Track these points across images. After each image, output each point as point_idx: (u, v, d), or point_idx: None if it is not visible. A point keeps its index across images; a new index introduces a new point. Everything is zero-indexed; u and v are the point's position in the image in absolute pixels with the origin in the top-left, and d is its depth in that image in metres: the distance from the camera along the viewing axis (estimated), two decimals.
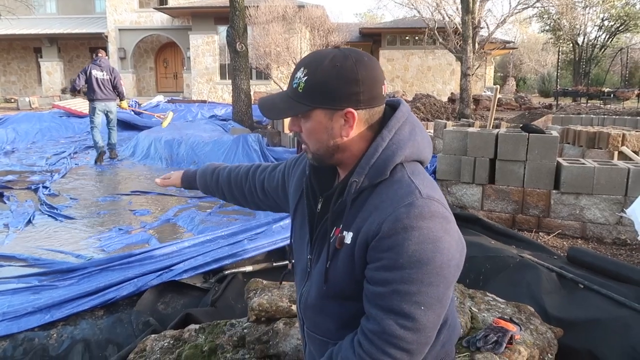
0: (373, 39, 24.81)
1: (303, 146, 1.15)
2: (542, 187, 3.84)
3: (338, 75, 1.02)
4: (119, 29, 22.64)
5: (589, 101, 20.33)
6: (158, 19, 22.42)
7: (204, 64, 21.25)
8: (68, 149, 8.95)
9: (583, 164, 3.82)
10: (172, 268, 3.19)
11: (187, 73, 22.51)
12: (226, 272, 3.29)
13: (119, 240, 3.97)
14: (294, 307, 2.26)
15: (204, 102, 17.23)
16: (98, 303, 2.90)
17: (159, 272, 3.15)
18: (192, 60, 21.35)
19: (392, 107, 1.13)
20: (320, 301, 1.15)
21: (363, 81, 1.03)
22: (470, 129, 4.13)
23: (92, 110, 7.79)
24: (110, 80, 7.72)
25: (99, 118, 7.86)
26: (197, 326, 2.43)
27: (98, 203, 5.29)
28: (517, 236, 3.39)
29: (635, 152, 5.46)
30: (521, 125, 4.15)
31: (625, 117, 9.99)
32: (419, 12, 18.33)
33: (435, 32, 16.72)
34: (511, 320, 2.06)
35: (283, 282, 2.43)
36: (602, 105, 18.14)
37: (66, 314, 2.79)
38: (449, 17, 17.17)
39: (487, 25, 17.32)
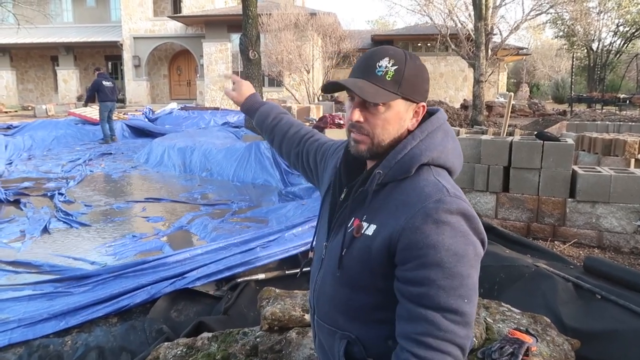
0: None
1: (358, 137, 1.11)
2: (558, 195, 3.79)
3: (421, 71, 1.10)
4: (134, 37, 22.96)
5: (604, 107, 20.09)
6: (172, 27, 22.70)
7: (216, 72, 21.43)
8: (83, 156, 9.06)
9: (599, 171, 3.77)
10: (185, 276, 3.20)
11: (200, 80, 22.72)
12: (239, 280, 3.29)
13: (132, 247, 4.00)
14: (306, 317, 2.26)
15: (217, 109, 17.33)
16: (112, 310, 2.92)
17: (172, 280, 3.16)
18: (205, 68, 21.55)
19: (431, 112, 1.17)
20: (332, 288, 1.17)
21: (428, 81, 1.13)
22: (484, 137, 4.10)
23: (104, 108, 10.83)
24: (115, 87, 10.90)
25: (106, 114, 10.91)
26: (210, 334, 2.43)
27: (112, 210, 5.34)
28: (532, 245, 3.35)
29: None
30: (535, 132, 4.11)
31: None
32: (431, 18, 18.31)
33: (448, 38, 16.69)
34: (527, 332, 2.03)
35: (296, 291, 2.43)
36: (617, 112, 17.91)
37: (81, 321, 2.80)
38: (461, 24, 17.13)
39: (500, 31, 17.25)
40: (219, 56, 21.38)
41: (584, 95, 21.80)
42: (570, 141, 3.83)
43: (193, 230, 4.45)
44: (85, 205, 5.48)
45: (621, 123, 9.80)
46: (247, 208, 5.34)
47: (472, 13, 16.79)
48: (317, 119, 7.55)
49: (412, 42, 24.11)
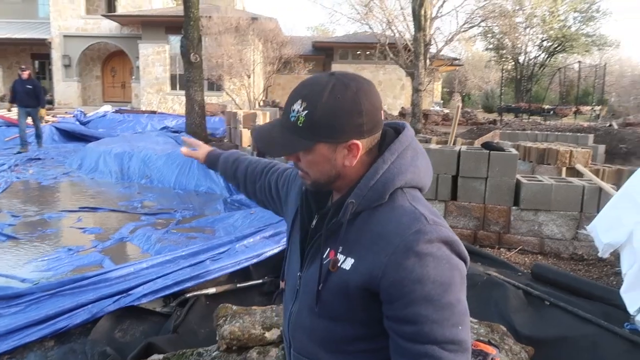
0: (326, 52, 25.08)
1: (300, 173, 1.11)
2: (503, 203, 3.93)
3: (341, 108, 0.98)
4: (64, 36, 21.72)
5: (530, 117, 21.32)
6: (106, 26, 21.69)
7: (153, 74, 20.71)
8: (8, 162, 8.40)
9: (541, 181, 3.94)
10: (129, 292, 3.01)
11: (135, 83, 21.84)
12: (188, 295, 3.14)
13: (68, 262, 3.72)
14: (267, 335, 2.17)
15: (154, 112, 16.73)
16: (48, 333, 2.69)
17: (116, 297, 2.96)
18: (142, 70, 20.76)
19: (396, 129, 1.11)
20: (310, 320, 1.11)
21: (366, 112, 1.00)
22: (433, 146, 4.19)
23: (21, 113, 9.95)
24: (34, 90, 9.94)
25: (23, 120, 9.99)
26: (160, 357, 2.29)
27: (43, 221, 4.96)
28: (481, 253, 3.43)
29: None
30: (482, 143, 4.25)
31: (567, 133, 10.53)
32: (370, 27, 18.71)
33: (387, 47, 17.11)
34: (489, 342, 2.05)
35: (254, 308, 2.33)
36: (542, 122, 19.07)
37: (12, 346, 2.57)
38: (399, 34, 17.63)
39: (435, 42, 17.91)
40: (156, 58, 20.66)
41: (512, 105, 23.05)
42: (514, 151, 3.98)
43: (135, 242, 4.21)
44: (13, 216, 5.05)
45: (548, 132, 10.43)
46: (191, 217, 5.14)
47: (410, 24, 17.32)
48: None
49: (352, 50, 24.48)
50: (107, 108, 16.38)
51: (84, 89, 23.09)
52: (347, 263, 1.03)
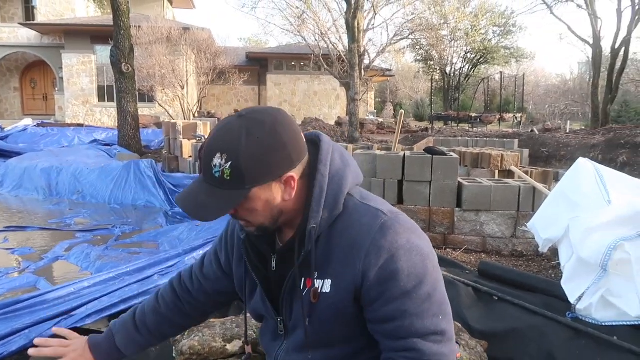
0: (260, 63, 25.03)
1: (242, 223, 1.06)
2: (447, 205, 4.07)
3: (264, 149, 0.94)
4: None
5: (458, 125, 22.37)
6: (24, 35, 20.42)
7: (79, 85, 19.71)
8: None
9: (480, 182, 4.14)
10: (71, 314, 2.81)
11: (59, 95, 20.67)
12: None
13: None
14: (228, 347, 2.10)
15: (81, 125, 15.91)
16: None
17: (57, 320, 2.75)
18: (66, 81, 19.70)
19: (312, 141, 1.08)
20: (304, 356, 1.09)
21: (289, 142, 0.97)
22: (379, 152, 4.28)
23: None
24: None
25: None
26: None
27: None
28: None
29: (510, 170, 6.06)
30: (425, 148, 4.40)
31: (494, 139, 11.15)
32: (304, 39, 18.92)
33: (321, 58, 17.37)
34: None
35: (213, 320, 2.25)
36: (470, 129, 20.06)
37: None
38: (332, 45, 17.96)
39: (368, 54, 18.40)
40: (81, 68, 19.69)
41: (442, 114, 24.10)
42: (455, 155, 4.15)
43: (72, 261, 3.95)
44: None
45: (478, 139, 10.98)
46: (131, 232, 4.91)
47: (343, 36, 17.70)
48: (205, 136, 7.27)
49: (286, 61, 24.61)
50: (28, 122, 15.39)
51: (0, 101, 21.55)
52: (326, 285, 1.01)
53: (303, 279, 1.03)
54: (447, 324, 1.01)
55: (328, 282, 1.01)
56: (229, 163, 0.92)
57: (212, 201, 0.95)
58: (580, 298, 2.57)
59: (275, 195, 0.99)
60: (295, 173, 0.99)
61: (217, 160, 0.93)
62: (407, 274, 0.95)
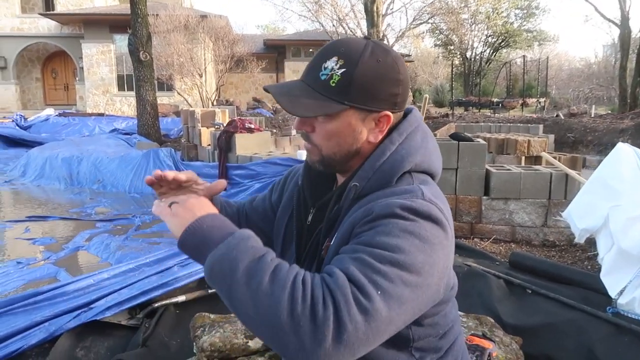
0: (278, 50, 24.86)
1: (307, 146, 0.96)
2: (473, 193, 3.92)
3: (382, 72, 0.87)
4: None
5: (480, 110, 21.92)
6: (44, 25, 20.59)
7: (99, 75, 19.84)
8: None
9: (509, 169, 3.97)
10: (91, 306, 2.76)
11: (80, 84, 20.85)
12: (155, 304, 2.92)
13: (19, 277, 3.40)
14: (250, 343, 2.01)
15: (102, 115, 16.01)
16: (0, 356, 2.42)
17: (76, 312, 2.71)
18: (86, 71, 19.84)
19: (405, 111, 0.99)
20: None
21: (403, 82, 0.90)
22: None
23: None
24: None
25: None
26: None
27: None
28: (458, 244, 3.40)
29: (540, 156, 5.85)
30: (450, 134, 4.24)
31: (518, 124, 10.86)
32: (322, 25, 18.69)
33: None
34: (484, 336, 1.98)
35: (234, 315, 2.18)
36: (492, 114, 19.64)
37: None
38: (351, 31, 17.70)
39: (387, 39, 18.10)
40: (101, 58, 19.79)
41: (463, 99, 23.62)
42: (482, 141, 3.99)
43: (92, 251, 3.92)
44: None
45: (501, 124, 10.70)
46: (152, 222, 4.87)
47: (361, 21, 17.42)
48: (224, 124, 7.20)
49: (304, 47, 24.39)
50: (50, 111, 15.56)
51: (22, 92, 21.86)
52: (333, 240, 0.90)
53: (327, 240, 0.93)
54: (381, 308, 0.71)
55: (335, 237, 0.90)
56: (343, 70, 0.86)
57: (306, 101, 0.88)
58: (621, 292, 2.42)
59: (364, 129, 0.91)
60: (393, 117, 0.92)
61: (330, 63, 0.87)
62: (390, 237, 0.77)
